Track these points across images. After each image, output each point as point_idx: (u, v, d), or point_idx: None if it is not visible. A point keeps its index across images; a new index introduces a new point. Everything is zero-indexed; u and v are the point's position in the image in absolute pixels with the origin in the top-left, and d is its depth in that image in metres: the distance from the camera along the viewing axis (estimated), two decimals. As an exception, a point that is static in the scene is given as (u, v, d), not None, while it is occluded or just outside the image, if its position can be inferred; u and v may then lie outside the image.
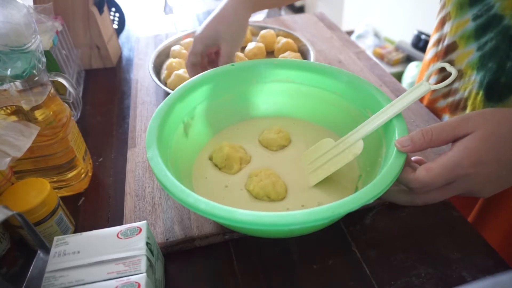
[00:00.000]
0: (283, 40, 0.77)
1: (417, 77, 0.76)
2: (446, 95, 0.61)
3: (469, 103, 0.56)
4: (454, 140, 0.38)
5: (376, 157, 0.45)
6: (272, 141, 0.53)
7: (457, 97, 0.58)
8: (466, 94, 0.56)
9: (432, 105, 0.65)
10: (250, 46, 0.76)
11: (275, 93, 0.57)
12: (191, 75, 0.59)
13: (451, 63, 0.58)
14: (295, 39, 0.79)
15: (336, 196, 0.46)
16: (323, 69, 0.54)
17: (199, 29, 0.60)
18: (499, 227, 0.54)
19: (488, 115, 0.37)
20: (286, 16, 0.99)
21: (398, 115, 0.44)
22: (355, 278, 0.41)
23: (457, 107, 0.59)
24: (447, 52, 0.59)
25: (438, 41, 0.62)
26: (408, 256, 0.43)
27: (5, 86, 0.43)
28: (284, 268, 0.43)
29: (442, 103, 0.62)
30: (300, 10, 2.88)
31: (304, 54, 0.75)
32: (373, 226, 0.46)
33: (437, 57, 0.62)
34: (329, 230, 0.45)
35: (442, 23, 0.60)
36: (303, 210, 0.34)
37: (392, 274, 0.41)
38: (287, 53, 0.73)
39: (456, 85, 0.58)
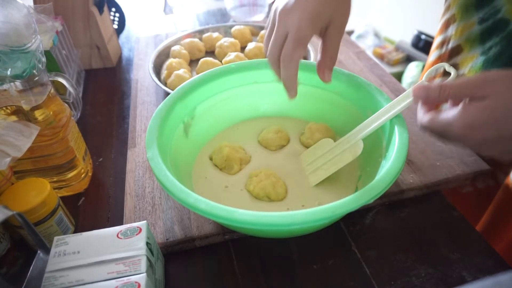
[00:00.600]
0: (283, 40, 0.77)
1: (419, 80, 0.76)
2: None
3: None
4: (472, 99, 0.35)
5: (376, 157, 0.45)
6: (271, 141, 0.53)
7: None
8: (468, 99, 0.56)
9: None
10: (250, 46, 0.76)
11: (275, 93, 0.57)
12: (294, 78, 0.43)
13: (455, 67, 0.57)
14: (295, 39, 0.79)
15: (336, 196, 0.46)
16: (323, 69, 0.53)
17: (286, 4, 0.41)
18: (507, 238, 0.53)
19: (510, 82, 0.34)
20: (286, 16, 0.98)
21: (398, 115, 0.44)
22: (355, 278, 0.41)
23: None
24: (451, 55, 0.58)
25: (442, 44, 0.61)
26: (408, 256, 0.43)
27: (5, 86, 0.43)
28: (284, 268, 0.43)
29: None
30: (300, 10, 2.87)
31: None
32: (373, 226, 0.46)
33: (440, 59, 0.62)
34: (329, 230, 0.45)
35: (446, 25, 0.59)
36: (303, 210, 0.34)
37: (392, 274, 0.41)
38: (287, 53, 0.73)
39: None
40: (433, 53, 0.64)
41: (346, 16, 0.42)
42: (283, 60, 0.42)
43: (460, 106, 0.35)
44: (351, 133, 0.47)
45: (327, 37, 0.42)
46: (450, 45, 0.58)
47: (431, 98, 0.37)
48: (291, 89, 0.44)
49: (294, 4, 0.41)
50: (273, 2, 1.11)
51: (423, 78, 0.43)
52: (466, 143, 0.36)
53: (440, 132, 0.37)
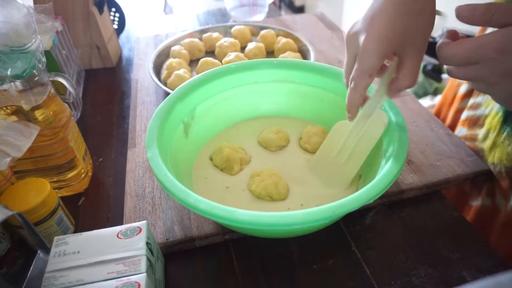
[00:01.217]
0: (283, 40, 0.77)
1: (450, 83, 0.67)
2: (470, 107, 0.58)
3: (487, 121, 0.53)
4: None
5: (376, 157, 0.45)
6: (271, 142, 0.53)
7: (478, 112, 0.56)
8: (487, 111, 0.54)
9: (458, 115, 0.61)
10: (250, 46, 0.76)
11: (275, 93, 0.57)
12: (357, 103, 0.42)
13: None
14: (295, 39, 0.79)
15: (336, 196, 0.46)
16: (323, 69, 0.54)
17: (354, 28, 0.38)
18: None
19: None
20: (286, 16, 0.99)
21: (399, 116, 0.44)
22: (355, 278, 0.41)
23: (476, 122, 0.56)
24: None
25: None
26: (408, 256, 0.43)
27: (5, 86, 0.43)
28: (284, 268, 0.43)
29: (464, 115, 0.59)
30: (300, 10, 2.88)
31: (304, 54, 0.75)
32: (373, 226, 0.46)
33: None
34: (329, 230, 0.45)
35: (483, 31, 0.55)
36: (303, 210, 0.34)
37: (392, 274, 0.41)
38: (287, 53, 0.73)
39: (479, 99, 0.56)
40: None
41: (426, 30, 0.37)
42: (350, 83, 0.40)
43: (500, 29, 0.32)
44: (366, 106, 0.44)
45: (402, 57, 0.37)
46: None
47: (476, 17, 0.33)
48: (350, 111, 0.43)
49: (360, 26, 0.37)
50: (273, 3, 1.11)
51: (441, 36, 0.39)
52: (492, 72, 0.32)
53: (466, 54, 0.33)
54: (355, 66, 0.39)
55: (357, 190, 0.42)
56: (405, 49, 0.37)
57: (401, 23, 0.36)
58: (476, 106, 0.56)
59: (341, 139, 0.47)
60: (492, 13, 0.32)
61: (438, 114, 0.69)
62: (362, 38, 0.37)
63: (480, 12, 0.33)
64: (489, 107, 0.54)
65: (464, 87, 0.60)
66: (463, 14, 0.34)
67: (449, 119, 0.64)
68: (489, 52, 0.32)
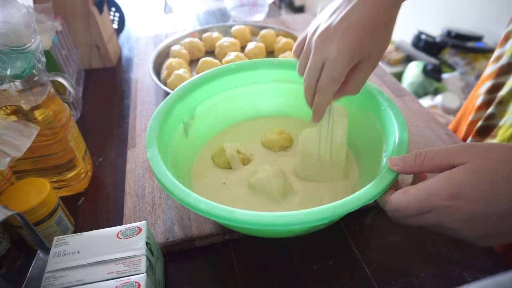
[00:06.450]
0: (283, 40, 0.77)
1: (471, 93, 0.64)
2: (485, 118, 0.56)
3: (500, 133, 0.51)
4: (450, 168, 0.33)
5: (376, 157, 0.45)
6: (274, 142, 0.53)
7: (492, 122, 0.54)
8: (501, 122, 0.52)
9: (471, 127, 0.59)
10: (250, 46, 0.76)
11: (275, 93, 0.57)
12: (325, 107, 0.43)
13: (502, 86, 0.53)
14: (295, 39, 0.79)
15: (336, 196, 0.46)
16: (323, 69, 0.53)
17: (325, 31, 0.38)
18: None
19: (496, 149, 0.32)
20: (286, 16, 0.99)
21: (399, 116, 0.43)
22: (355, 278, 0.41)
23: (488, 132, 0.54)
24: (500, 73, 0.53)
25: (498, 58, 0.55)
26: (408, 256, 0.43)
27: (4, 86, 0.43)
28: (284, 268, 0.43)
29: (477, 125, 0.57)
30: (300, 10, 2.88)
31: (304, 54, 0.75)
32: (373, 226, 0.46)
33: (492, 75, 0.56)
34: (329, 230, 0.45)
35: (506, 38, 0.54)
36: (303, 210, 0.34)
37: (392, 274, 0.41)
38: (287, 53, 0.73)
39: (493, 109, 0.54)
40: (489, 67, 0.58)
41: (384, 49, 0.40)
42: (319, 90, 0.41)
43: (440, 173, 0.32)
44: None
45: (359, 69, 0.40)
46: (502, 62, 0.53)
47: (408, 166, 0.35)
48: (318, 114, 0.44)
49: (333, 33, 0.38)
50: (273, 3, 1.11)
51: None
52: (449, 219, 0.32)
53: (418, 204, 0.33)
54: (324, 74, 0.40)
55: (356, 190, 0.42)
56: (363, 63, 0.39)
57: (369, 36, 0.38)
58: (489, 117, 0.54)
59: (315, 144, 0.48)
60: (423, 158, 0.34)
61: (456, 127, 0.65)
62: (333, 47, 0.38)
63: (412, 159, 0.35)
64: (504, 119, 0.52)
65: (480, 98, 0.58)
66: (396, 163, 0.36)
67: (462, 132, 0.62)
68: (442, 200, 0.31)
